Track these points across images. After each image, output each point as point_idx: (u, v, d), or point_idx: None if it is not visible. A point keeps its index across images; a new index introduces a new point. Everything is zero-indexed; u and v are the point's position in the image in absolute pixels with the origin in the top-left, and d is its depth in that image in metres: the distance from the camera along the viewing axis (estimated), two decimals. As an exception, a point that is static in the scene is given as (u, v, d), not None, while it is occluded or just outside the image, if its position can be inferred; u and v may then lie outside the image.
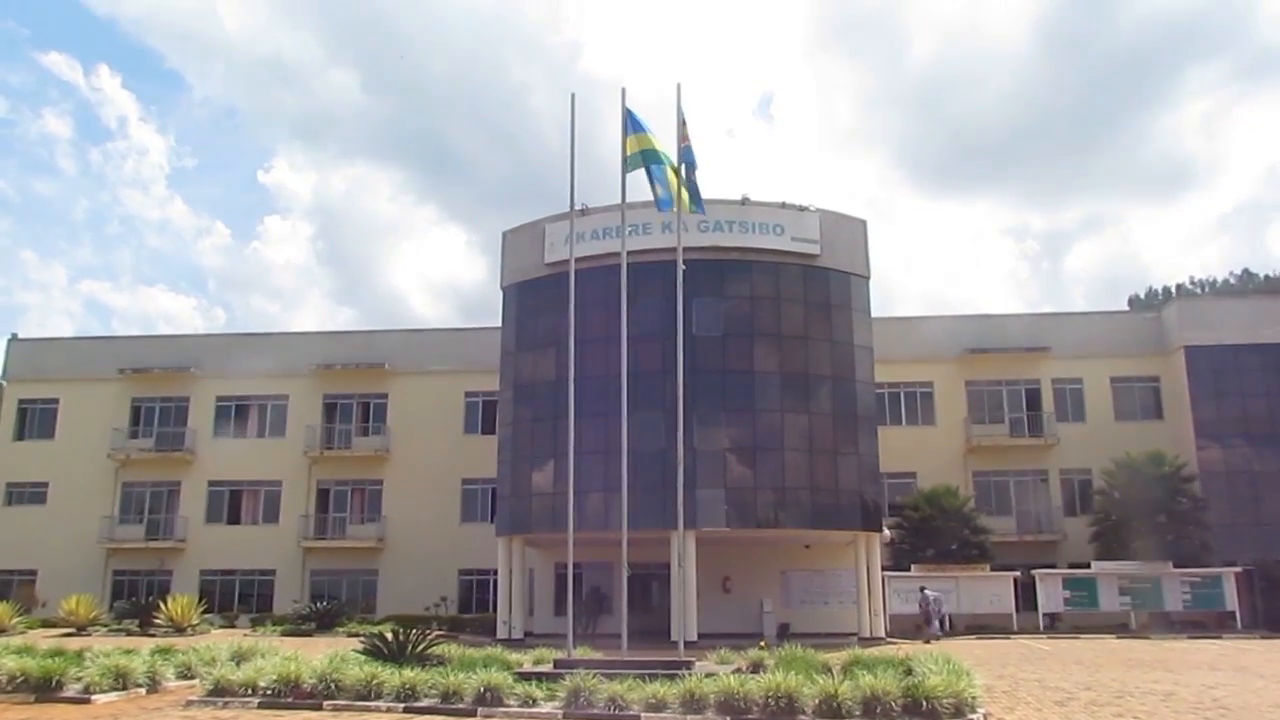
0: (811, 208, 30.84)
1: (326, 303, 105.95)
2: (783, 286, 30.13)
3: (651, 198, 18.26)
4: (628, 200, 19.70)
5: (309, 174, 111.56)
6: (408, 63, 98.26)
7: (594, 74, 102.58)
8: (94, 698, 13.18)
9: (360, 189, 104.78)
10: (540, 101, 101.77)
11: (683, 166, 18.38)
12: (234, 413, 40.46)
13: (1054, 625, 31.63)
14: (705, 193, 20.27)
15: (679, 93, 19.30)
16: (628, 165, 18.10)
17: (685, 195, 18.54)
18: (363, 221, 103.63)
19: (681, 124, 18.86)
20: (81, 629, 31.54)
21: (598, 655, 15.63)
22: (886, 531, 31.84)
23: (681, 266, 19.40)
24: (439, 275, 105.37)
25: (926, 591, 29.77)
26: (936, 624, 29.05)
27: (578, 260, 21.41)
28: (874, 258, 32.19)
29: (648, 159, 17.78)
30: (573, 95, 19.35)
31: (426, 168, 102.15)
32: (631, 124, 18.04)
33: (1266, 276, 69.48)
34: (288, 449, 39.39)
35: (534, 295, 31.61)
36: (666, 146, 18.21)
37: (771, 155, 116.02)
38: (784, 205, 30.55)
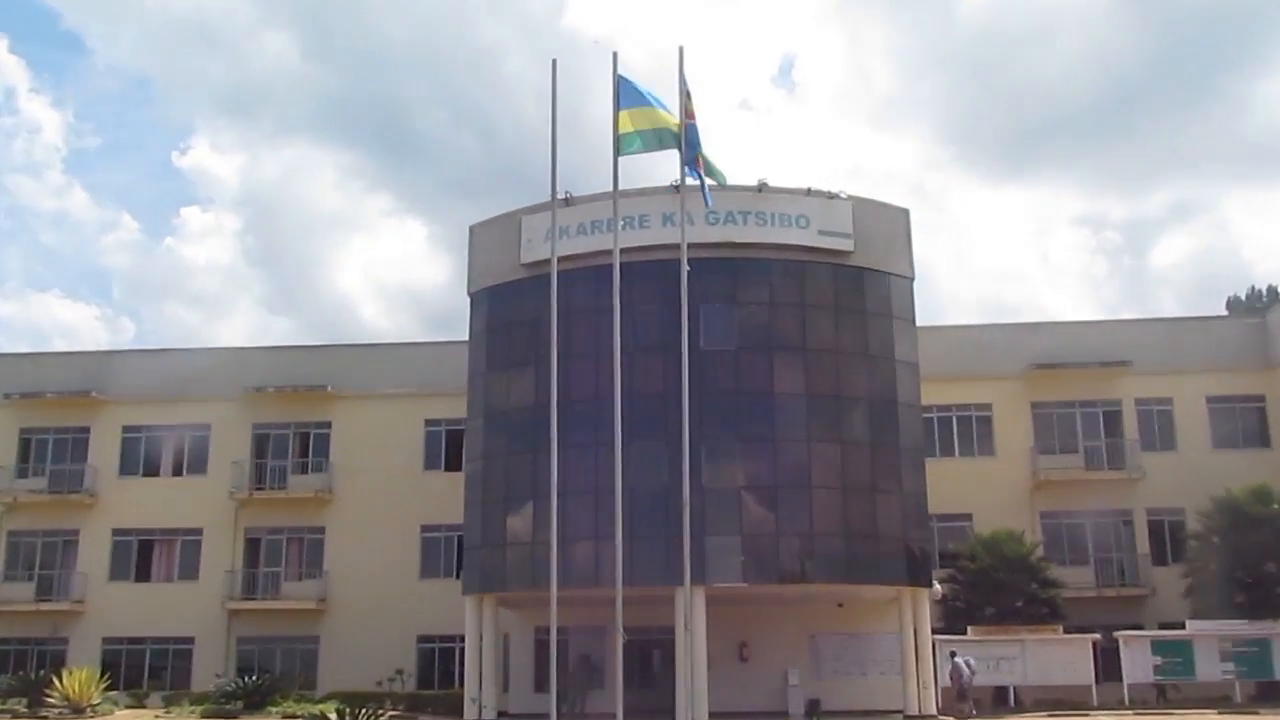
0: (843, 195, 31.04)
1: (257, 312, 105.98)
2: (809, 290, 30.26)
3: (648, 184, 18.51)
4: (621, 188, 19.98)
5: (236, 156, 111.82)
6: (356, 23, 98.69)
7: (580, 34, 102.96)
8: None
9: (299, 174, 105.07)
10: (515, 67, 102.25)
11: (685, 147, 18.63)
12: (144, 446, 40.42)
13: (1142, 698, 31.60)
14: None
15: (681, 57, 19.56)
16: (621, 146, 18.34)
17: (713, 171, 18.79)
18: (302, 213, 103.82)
19: (685, 96, 19.15)
20: (-43, 711, 31.43)
21: (587, 740, 15.68)
22: (937, 586, 31.83)
23: (686, 267, 19.66)
24: (394, 278, 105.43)
25: (958, 659, 29.83)
26: (970, 700, 29.08)
27: (561, 260, 21.56)
28: (919, 254, 32.37)
29: (664, 140, 18.02)
30: (554, 61, 19.66)
31: (379, 148, 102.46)
32: (626, 95, 18.27)
33: (1393, 274, 69.62)
34: (210, 490, 39.35)
35: (508, 302, 31.71)
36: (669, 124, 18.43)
37: (794, 131, 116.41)
38: (809, 192, 30.75)
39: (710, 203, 20.84)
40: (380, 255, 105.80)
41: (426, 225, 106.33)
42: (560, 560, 19.51)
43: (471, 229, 33.96)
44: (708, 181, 19.75)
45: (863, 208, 31.21)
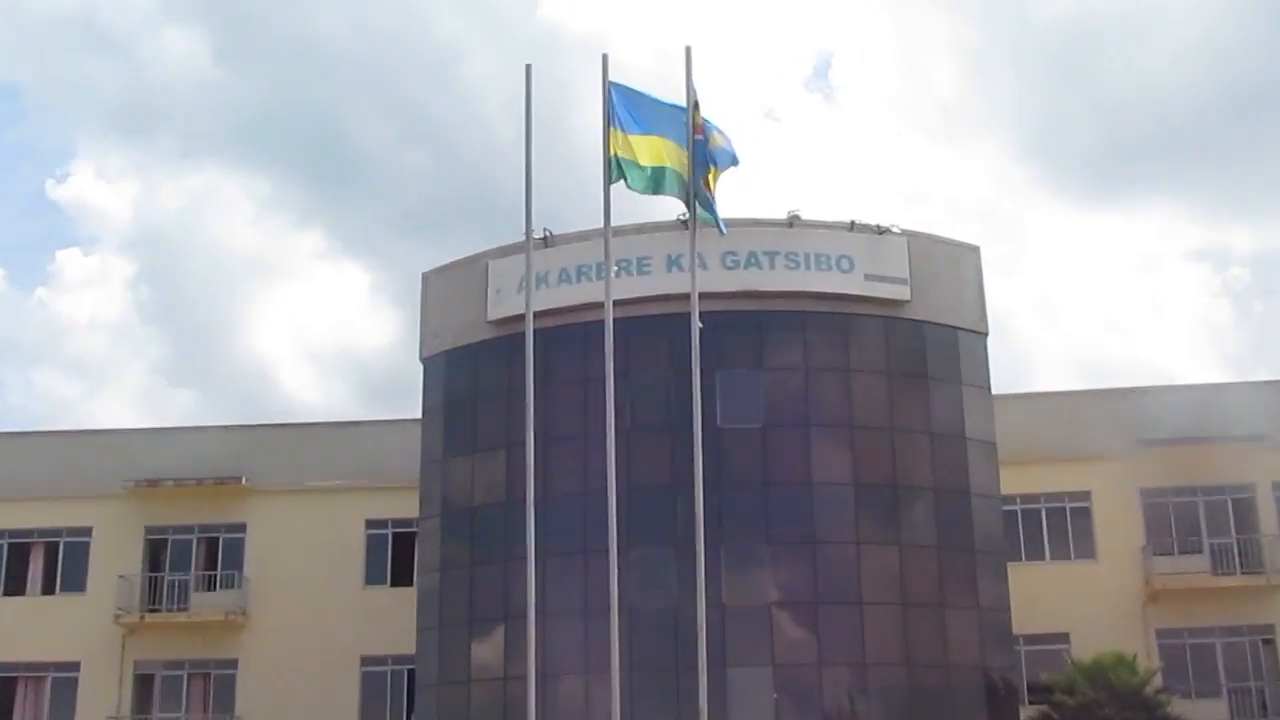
0: (895, 229, 31.26)
1: (153, 382, 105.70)
2: (855, 350, 30.36)
3: (648, 218, 18.65)
4: (615, 223, 20.03)
5: (128, 184, 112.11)
6: (282, 17, 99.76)
7: (562, 29, 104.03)
8: None
9: (208, 206, 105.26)
10: (481, 72, 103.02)
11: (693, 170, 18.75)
12: (6, 556, 40.16)
13: None
14: (736, 208, 20.72)
15: (689, 59, 19.71)
16: (613, 172, 18.44)
17: (712, 174, 18.86)
18: (211, 256, 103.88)
19: (693, 107, 19.31)
20: None
21: None
22: (1027, 728, 31.55)
23: (698, 323, 19.62)
24: (327, 339, 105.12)
25: None
26: None
27: (539, 315, 21.58)
28: (995, 302, 32.59)
29: (667, 183, 18.14)
30: (528, 66, 19.79)
31: (309, 173, 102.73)
32: (622, 109, 18.40)
33: None
34: (90, 611, 39.00)
35: (472, 369, 31.84)
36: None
37: (832, 148, 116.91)
38: (854, 226, 30.94)
39: (724, 230, 20.83)
40: (311, 309, 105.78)
41: (369, 271, 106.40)
42: (540, 701, 19.28)
43: (425, 276, 34.06)
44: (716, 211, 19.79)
45: (922, 245, 31.40)
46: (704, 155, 18.95)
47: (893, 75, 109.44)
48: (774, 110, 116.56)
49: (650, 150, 18.77)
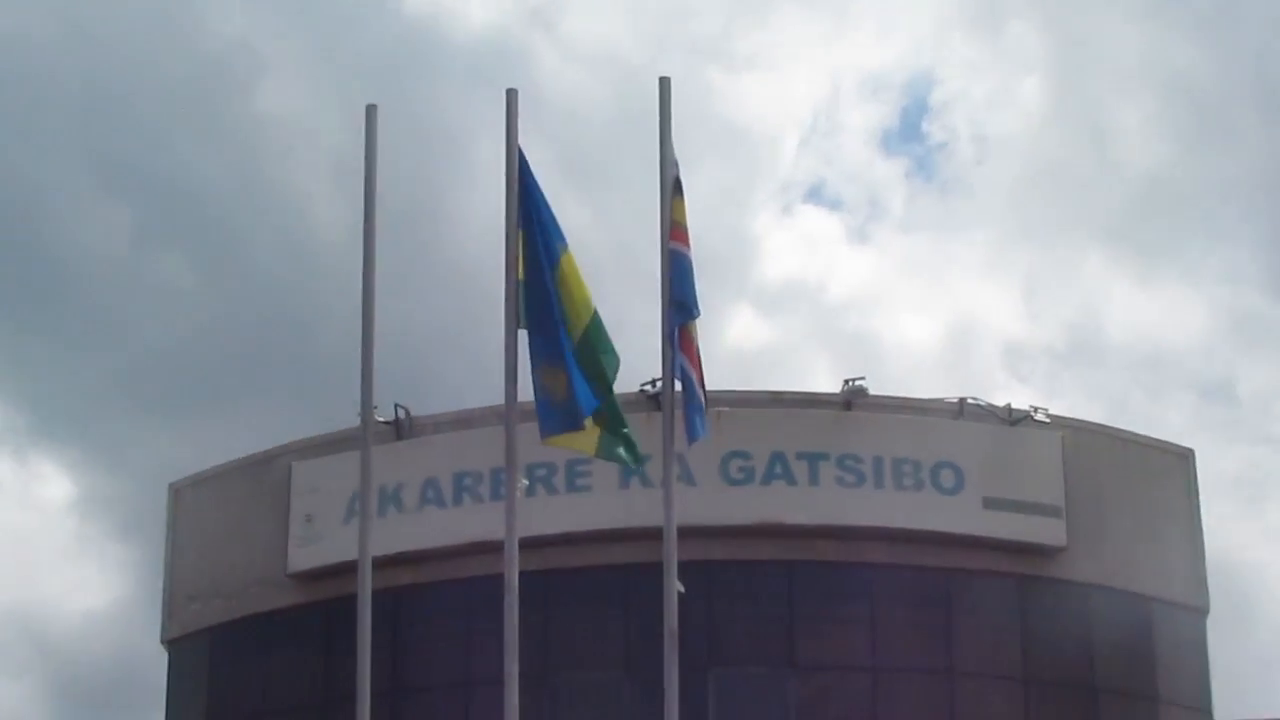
0: (1041, 414, 31.31)
1: None
2: (964, 636, 30.34)
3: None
4: (525, 399, 19.63)
5: None
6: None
7: (445, 41, 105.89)
8: None
9: None
10: (287, 112, 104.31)
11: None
12: None
13: None
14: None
15: (665, 94, 19.43)
16: (523, 308, 18.11)
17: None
18: None
19: (674, 186, 19.05)
20: None
21: None
22: None
23: (678, 584, 19.17)
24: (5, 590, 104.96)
25: None
26: None
27: (385, 564, 21.45)
28: (1224, 553, 32.38)
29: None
30: (371, 108, 19.69)
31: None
32: (528, 206, 18.15)
33: None
34: None
35: (259, 661, 31.76)
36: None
37: (930, 260, 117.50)
38: (964, 408, 31.13)
39: (703, 433, 20.40)
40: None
41: (74, 472, 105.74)
42: None
43: (175, 490, 34.19)
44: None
45: (1090, 445, 31.66)
46: (685, 284, 18.50)
47: (1041, 134, 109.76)
48: (823, 187, 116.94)
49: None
